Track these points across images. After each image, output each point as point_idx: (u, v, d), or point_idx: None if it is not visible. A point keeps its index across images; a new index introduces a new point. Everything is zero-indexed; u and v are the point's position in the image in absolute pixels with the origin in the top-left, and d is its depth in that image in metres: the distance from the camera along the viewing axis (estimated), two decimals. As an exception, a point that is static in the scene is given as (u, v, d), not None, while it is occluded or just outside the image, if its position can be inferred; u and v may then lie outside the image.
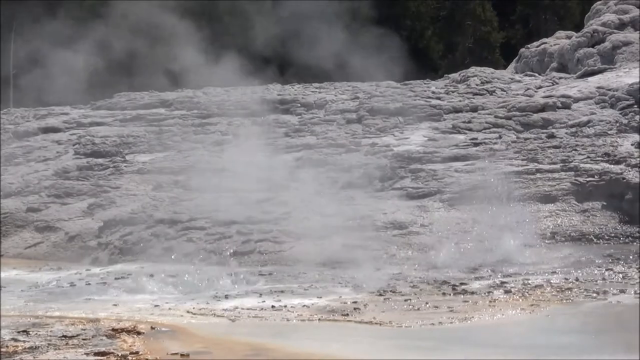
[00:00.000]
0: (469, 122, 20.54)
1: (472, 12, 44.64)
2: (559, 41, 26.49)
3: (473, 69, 25.49)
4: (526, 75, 25.03)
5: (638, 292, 11.59)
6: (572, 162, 17.59)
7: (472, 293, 12.08)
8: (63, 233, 18.13)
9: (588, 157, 17.74)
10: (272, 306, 11.51)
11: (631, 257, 14.11)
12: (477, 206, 16.22)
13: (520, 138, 19.39)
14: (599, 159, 17.61)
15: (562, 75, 24.06)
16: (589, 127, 19.29)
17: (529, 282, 12.62)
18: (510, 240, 14.77)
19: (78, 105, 25.66)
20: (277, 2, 25.20)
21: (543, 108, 20.41)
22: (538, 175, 17.31)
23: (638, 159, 17.20)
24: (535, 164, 17.82)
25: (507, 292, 11.99)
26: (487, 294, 11.96)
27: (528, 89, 22.37)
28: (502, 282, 12.65)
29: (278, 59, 27.20)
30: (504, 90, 22.65)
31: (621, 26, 24.67)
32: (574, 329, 9.77)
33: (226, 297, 12.28)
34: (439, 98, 22.43)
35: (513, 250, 14.48)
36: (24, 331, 9.79)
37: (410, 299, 11.72)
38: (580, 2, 42.38)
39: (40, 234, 18.32)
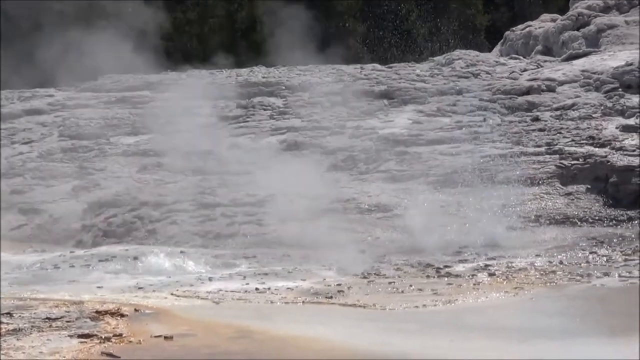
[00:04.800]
0: (454, 105, 20.52)
1: (458, -6, 44.51)
2: (544, 24, 26.44)
3: (458, 52, 25.42)
4: (511, 58, 24.96)
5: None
6: (556, 145, 17.61)
7: (456, 276, 12.12)
8: (47, 215, 18.04)
9: (572, 140, 17.76)
10: (256, 289, 11.51)
11: (615, 240, 14.16)
12: (462, 189, 16.25)
13: (505, 121, 19.38)
14: (584, 142, 17.63)
15: (547, 58, 24.02)
16: (573, 110, 19.29)
17: (513, 265, 12.66)
18: (495, 223, 14.79)
19: (63, 87, 25.53)
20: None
21: (528, 91, 20.39)
22: (523, 158, 17.33)
23: (622, 142, 17.23)
24: (520, 147, 17.84)
25: (491, 275, 12.03)
26: (471, 276, 11.99)
27: (513, 72, 22.33)
28: (486, 265, 12.68)
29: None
30: (489, 73, 22.61)
31: (606, 9, 24.66)
32: (557, 312, 9.79)
33: (210, 279, 12.28)
34: (423, 81, 22.37)
35: (497, 233, 14.50)
36: (7, 313, 9.75)
37: (394, 282, 11.74)
38: (565, -15, 42.30)
39: (24, 216, 18.22)
